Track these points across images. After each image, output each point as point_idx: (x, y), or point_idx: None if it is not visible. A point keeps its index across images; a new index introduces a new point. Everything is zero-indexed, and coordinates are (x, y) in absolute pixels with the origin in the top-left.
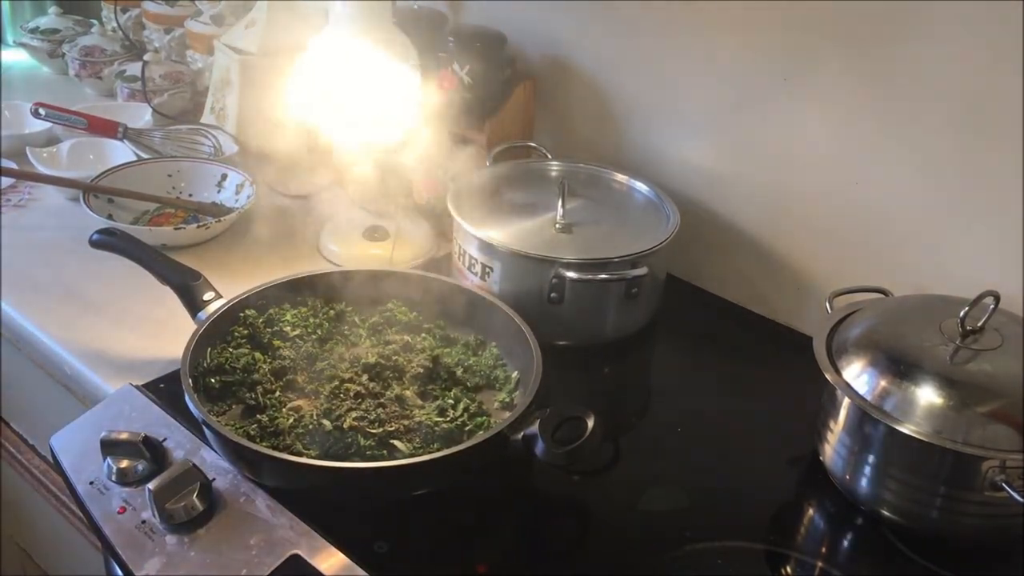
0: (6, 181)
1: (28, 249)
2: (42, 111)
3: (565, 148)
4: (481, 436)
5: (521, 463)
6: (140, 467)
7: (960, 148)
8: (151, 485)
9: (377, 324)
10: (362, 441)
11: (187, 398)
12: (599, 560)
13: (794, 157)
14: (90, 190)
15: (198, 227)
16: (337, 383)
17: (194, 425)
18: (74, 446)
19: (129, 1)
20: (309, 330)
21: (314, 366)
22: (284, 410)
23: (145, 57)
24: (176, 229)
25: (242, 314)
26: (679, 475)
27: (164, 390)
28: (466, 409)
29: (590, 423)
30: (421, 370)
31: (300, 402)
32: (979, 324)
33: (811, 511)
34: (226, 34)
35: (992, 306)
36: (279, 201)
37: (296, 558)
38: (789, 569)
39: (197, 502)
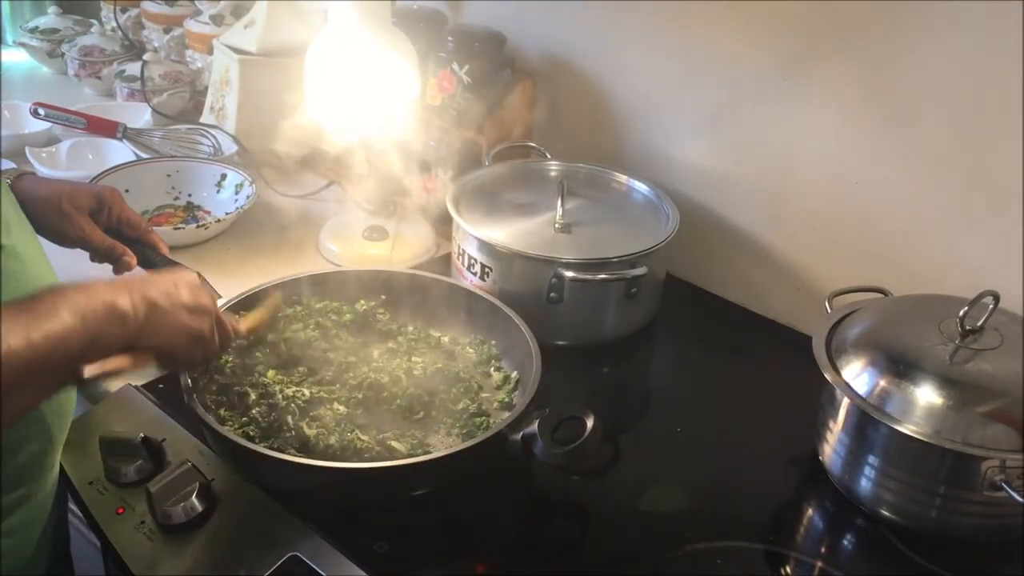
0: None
1: None
2: (41, 111)
3: (565, 148)
4: (480, 436)
5: (521, 463)
6: (139, 467)
7: (960, 148)
8: (150, 485)
9: (373, 325)
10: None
11: (186, 398)
12: (599, 560)
13: (794, 157)
14: None
15: (197, 227)
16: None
17: (193, 425)
18: (74, 446)
19: (129, 1)
20: (309, 330)
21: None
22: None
23: (144, 57)
24: (175, 229)
25: (239, 315)
26: (679, 475)
27: (163, 391)
28: (466, 409)
29: (589, 423)
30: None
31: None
32: (979, 324)
33: (811, 511)
34: (225, 34)
35: (992, 306)
36: (279, 201)
37: (296, 558)
38: (789, 569)
39: (196, 502)
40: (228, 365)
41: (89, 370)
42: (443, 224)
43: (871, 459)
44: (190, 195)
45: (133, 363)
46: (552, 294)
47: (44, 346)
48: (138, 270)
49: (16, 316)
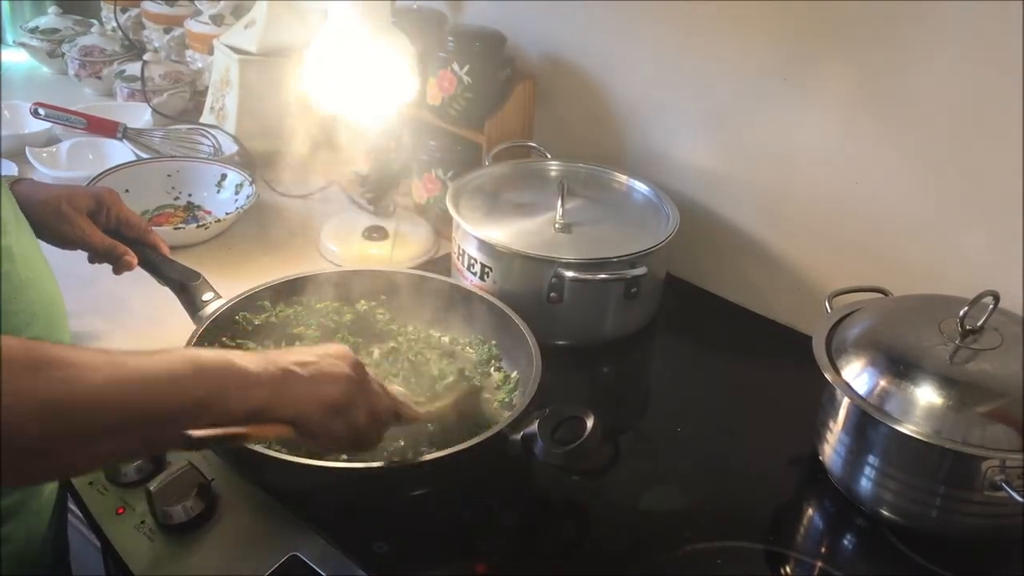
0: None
1: None
2: (41, 111)
3: (565, 148)
4: (481, 436)
5: (521, 463)
6: (139, 467)
7: (960, 148)
8: (150, 486)
9: (373, 325)
10: None
11: None
12: (599, 560)
13: (794, 157)
14: None
15: (197, 227)
16: None
17: None
18: None
19: (129, 1)
20: (309, 330)
21: None
22: None
23: (145, 57)
24: (175, 229)
25: (239, 316)
26: (679, 475)
27: None
28: None
29: (589, 423)
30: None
31: None
32: (979, 324)
33: (811, 511)
34: (225, 34)
35: (992, 306)
36: (279, 201)
37: (296, 558)
38: (789, 569)
39: (196, 502)
40: None
41: (201, 432)
42: (443, 224)
43: (871, 459)
44: (190, 195)
45: (258, 434)
46: (552, 294)
47: (141, 391)
48: (140, 272)
49: (115, 354)
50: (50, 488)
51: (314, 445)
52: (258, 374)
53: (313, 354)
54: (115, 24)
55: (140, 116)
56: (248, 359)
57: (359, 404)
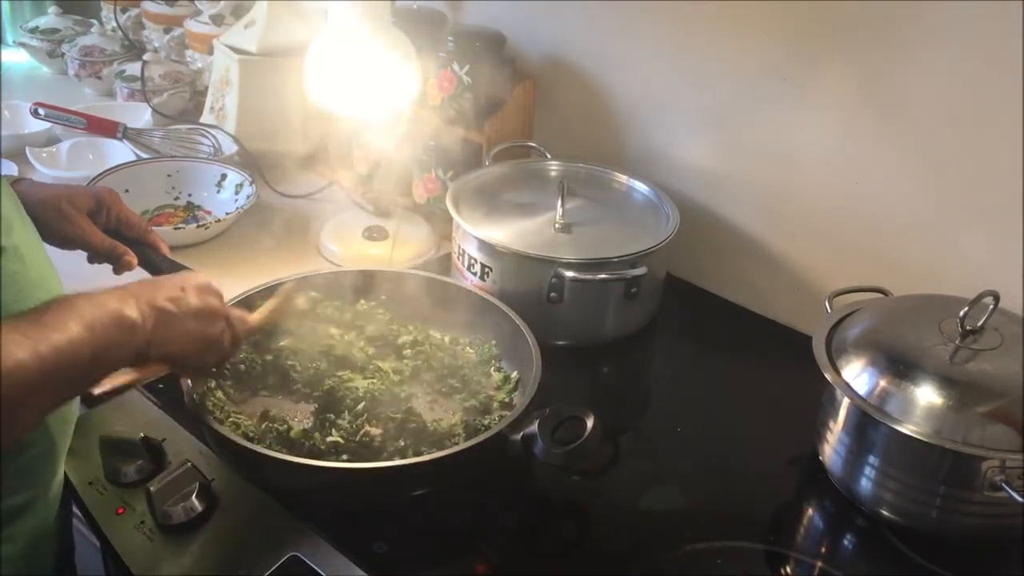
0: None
1: None
2: (41, 111)
3: (565, 148)
4: (481, 436)
5: (521, 463)
6: (139, 467)
7: (960, 148)
8: (150, 486)
9: (366, 323)
10: None
11: (186, 399)
12: (599, 560)
13: (794, 157)
14: None
15: (197, 227)
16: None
17: (193, 426)
18: (74, 446)
19: (129, 1)
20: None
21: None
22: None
23: (145, 57)
24: (176, 229)
25: (251, 307)
26: (679, 475)
27: (163, 391)
28: (472, 407)
29: (589, 423)
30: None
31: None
32: (979, 324)
33: (811, 511)
34: (225, 34)
35: (992, 306)
36: (279, 201)
37: (296, 558)
38: (789, 569)
39: (196, 502)
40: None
41: (99, 387)
42: (443, 224)
43: (871, 459)
44: (190, 195)
45: (143, 375)
46: (552, 294)
47: (52, 358)
48: (140, 271)
49: (23, 328)
50: (55, 487)
51: (183, 373)
52: (136, 319)
53: (179, 287)
54: (115, 24)
55: (140, 116)
56: (125, 301)
57: (225, 334)
